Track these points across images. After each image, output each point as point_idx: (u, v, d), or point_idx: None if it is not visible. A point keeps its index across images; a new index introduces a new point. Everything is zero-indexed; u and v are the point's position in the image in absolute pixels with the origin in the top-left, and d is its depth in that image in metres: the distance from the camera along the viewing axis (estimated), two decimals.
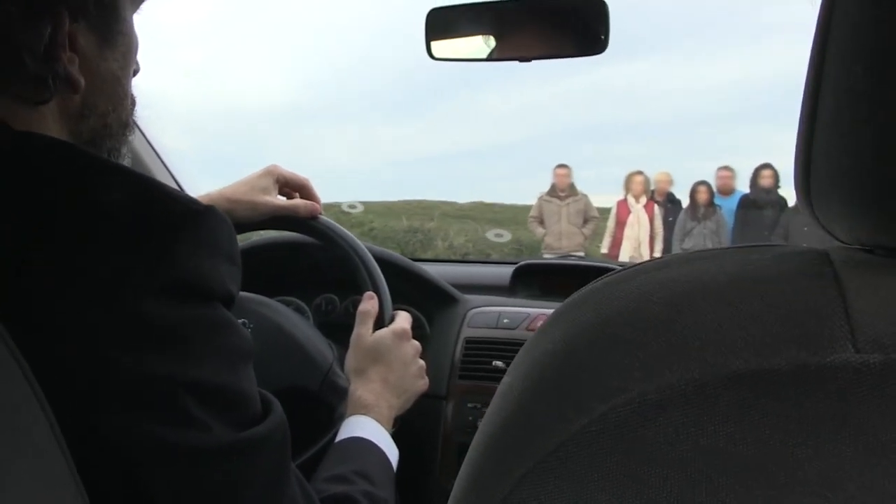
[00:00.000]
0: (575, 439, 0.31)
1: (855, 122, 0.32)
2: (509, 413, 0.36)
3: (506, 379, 0.39)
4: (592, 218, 7.79)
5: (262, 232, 1.49)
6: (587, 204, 7.75)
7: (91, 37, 0.70)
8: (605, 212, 8.01)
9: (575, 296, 0.40)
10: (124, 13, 0.74)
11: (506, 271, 1.79)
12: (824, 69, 0.34)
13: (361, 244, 1.23)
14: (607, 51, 1.10)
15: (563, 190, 7.71)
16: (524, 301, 1.65)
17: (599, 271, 1.77)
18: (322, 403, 1.16)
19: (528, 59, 1.17)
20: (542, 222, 7.80)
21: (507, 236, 11.98)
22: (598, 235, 8.13)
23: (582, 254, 7.68)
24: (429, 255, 11.58)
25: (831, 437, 0.28)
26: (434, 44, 1.21)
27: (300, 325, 1.23)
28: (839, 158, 0.33)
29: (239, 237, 1.48)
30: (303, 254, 1.51)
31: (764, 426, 0.29)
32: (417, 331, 1.59)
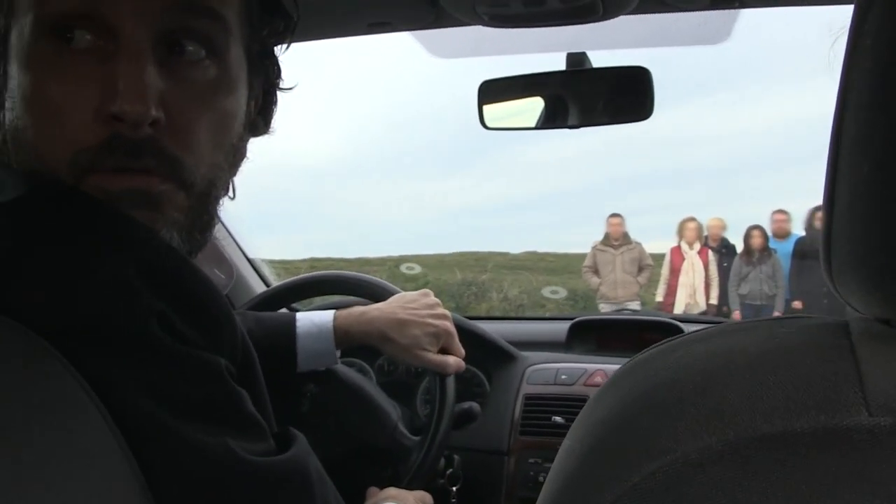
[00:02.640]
0: (628, 494, 0.36)
1: (865, 214, 0.37)
2: (570, 472, 0.41)
3: (566, 442, 0.44)
4: (647, 266, 7.83)
5: (322, 298, 1.57)
6: (641, 252, 7.82)
7: None
8: (658, 258, 8.06)
9: (626, 365, 0.45)
10: None
11: (561, 327, 1.83)
12: (839, 163, 0.39)
13: None
14: (661, 96, 1.16)
15: (616, 239, 7.81)
16: (581, 357, 1.69)
17: (652, 326, 1.82)
18: (388, 460, 1.22)
19: (576, 127, 1.23)
20: (596, 272, 7.86)
21: (562, 293, 11.98)
22: (652, 283, 8.10)
23: (638, 303, 7.67)
24: (483, 308, 11.61)
25: (850, 492, 0.32)
26: (487, 114, 1.28)
27: (366, 386, 1.29)
28: (855, 242, 0.38)
29: (301, 302, 1.57)
30: None
31: (791, 482, 0.33)
32: (477, 389, 1.65)
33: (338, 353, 1.24)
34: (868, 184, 0.37)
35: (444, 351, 1.23)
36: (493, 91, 1.27)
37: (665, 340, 0.45)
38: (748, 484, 0.34)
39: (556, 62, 1.27)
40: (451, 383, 1.23)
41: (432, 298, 1.27)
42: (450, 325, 1.24)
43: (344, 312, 1.22)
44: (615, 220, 7.85)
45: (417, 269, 13.29)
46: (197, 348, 0.63)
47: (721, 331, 0.42)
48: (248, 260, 1.70)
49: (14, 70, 0.69)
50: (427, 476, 1.22)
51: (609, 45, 1.30)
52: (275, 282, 1.74)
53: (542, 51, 1.33)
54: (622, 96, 1.19)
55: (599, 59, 1.23)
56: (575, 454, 0.41)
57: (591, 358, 1.67)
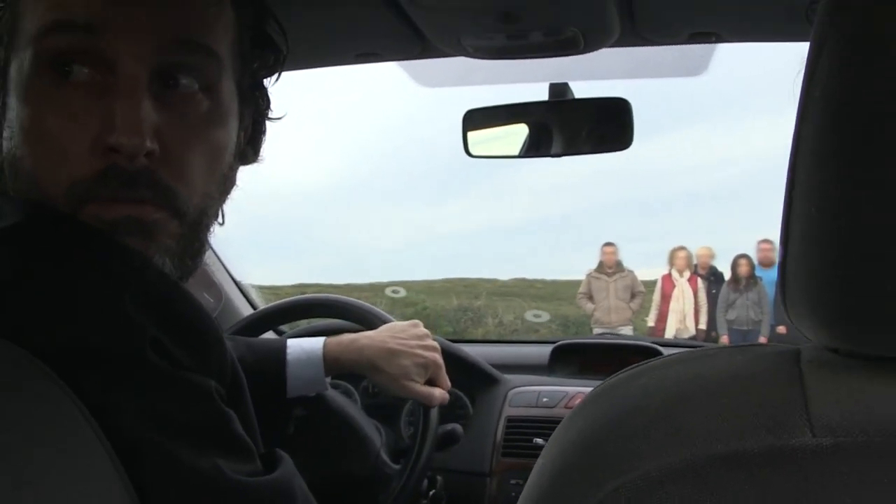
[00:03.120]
0: None
1: (813, 255, 0.40)
2: (542, 490, 0.43)
3: (539, 461, 0.47)
4: (639, 293, 8.14)
5: (308, 320, 1.59)
6: (633, 279, 8.15)
7: None
8: (649, 284, 8.35)
9: (597, 389, 0.48)
10: None
11: (544, 351, 1.86)
12: (792, 204, 0.42)
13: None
14: (644, 127, 1.20)
15: (610, 267, 8.14)
16: (562, 380, 1.72)
17: (632, 350, 1.85)
18: (370, 488, 1.24)
19: (559, 156, 1.26)
20: (591, 298, 8.17)
21: (545, 316, 12.14)
22: (644, 309, 8.23)
23: (630, 328, 7.87)
24: (479, 332, 11.65)
25: None
26: (471, 141, 1.31)
27: (351, 411, 1.31)
28: (804, 278, 0.41)
29: (288, 325, 1.59)
30: None
31: (743, 498, 0.36)
32: (460, 411, 1.67)
33: (328, 380, 1.25)
34: (814, 227, 0.39)
35: (431, 382, 1.24)
36: (477, 120, 1.30)
37: (634, 366, 0.48)
38: (704, 499, 0.36)
39: (540, 92, 1.30)
40: (434, 413, 1.25)
41: (422, 329, 1.28)
42: (438, 357, 1.25)
43: (334, 340, 1.23)
44: (609, 249, 8.18)
45: (403, 292, 13.34)
46: (187, 371, 0.65)
47: (684, 358, 0.45)
48: (236, 283, 1.73)
49: (13, 101, 0.72)
50: (408, 501, 1.23)
51: (592, 77, 1.33)
52: (261, 305, 1.76)
53: (525, 81, 1.36)
54: (603, 126, 1.22)
55: (582, 89, 1.27)
56: (546, 473, 0.44)
57: (572, 381, 1.69)
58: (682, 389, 0.41)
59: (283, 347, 1.23)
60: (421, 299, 13.35)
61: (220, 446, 0.66)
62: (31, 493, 0.51)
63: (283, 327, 1.66)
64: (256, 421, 0.80)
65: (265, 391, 1.19)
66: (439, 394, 1.23)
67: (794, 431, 0.36)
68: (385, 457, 1.27)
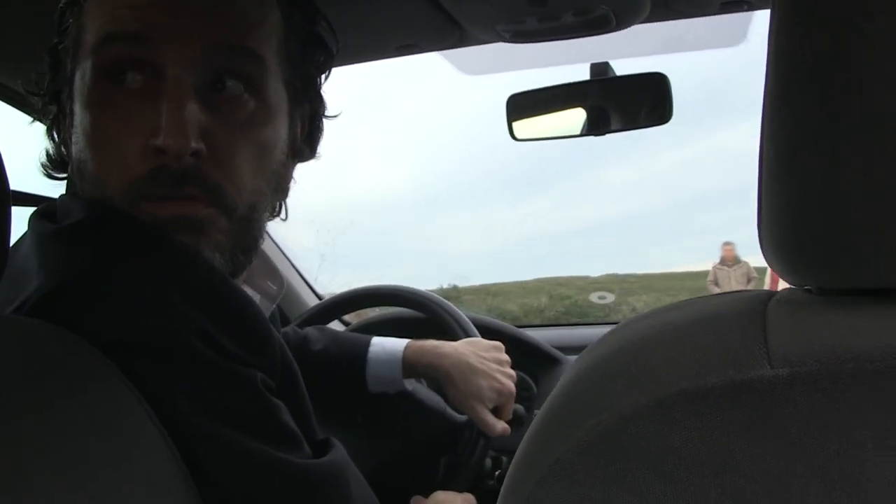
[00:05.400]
0: (574, 449, 0.42)
1: (784, 196, 0.42)
2: (533, 431, 0.46)
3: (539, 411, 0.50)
4: (754, 278, 9.80)
5: (376, 309, 1.64)
6: (749, 268, 9.99)
7: None
8: (760, 271, 9.80)
9: (595, 341, 0.51)
10: None
11: (605, 331, 1.86)
12: (764, 152, 0.44)
13: (460, 312, 1.36)
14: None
15: (729, 260, 10.16)
16: None
17: None
18: (445, 443, 1.29)
19: (601, 134, 1.28)
20: (717, 284, 10.02)
21: (609, 298, 12.60)
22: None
23: None
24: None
25: (755, 435, 0.37)
26: (515, 126, 1.34)
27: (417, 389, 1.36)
28: (779, 214, 0.43)
29: (353, 314, 1.65)
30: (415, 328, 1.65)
31: (707, 430, 0.38)
32: (524, 392, 1.69)
33: (412, 381, 1.27)
34: (783, 163, 0.42)
35: (496, 410, 1.22)
36: (520, 104, 1.32)
37: (628, 319, 0.50)
38: (670, 433, 0.39)
39: (582, 73, 1.32)
40: (483, 445, 1.24)
41: (504, 355, 1.27)
42: (513, 387, 1.23)
43: (416, 344, 1.25)
44: (728, 247, 10.28)
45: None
46: (235, 362, 0.68)
47: (666, 308, 0.47)
48: (300, 275, 1.80)
49: (78, 109, 0.78)
50: (476, 472, 1.27)
51: (630, 54, 1.34)
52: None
53: (567, 63, 1.38)
54: (642, 102, 1.23)
55: (624, 68, 1.28)
56: (538, 420, 0.47)
57: None
58: (654, 333, 0.44)
59: (367, 345, 1.26)
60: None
61: (266, 434, 0.69)
62: (88, 473, 0.54)
63: (348, 317, 1.73)
64: (333, 408, 0.83)
65: (346, 383, 1.25)
66: (501, 428, 1.20)
67: (753, 365, 0.38)
68: (450, 410, 1.31)
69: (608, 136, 1.29)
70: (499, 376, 1.21)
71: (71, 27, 0.81)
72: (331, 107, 0.95)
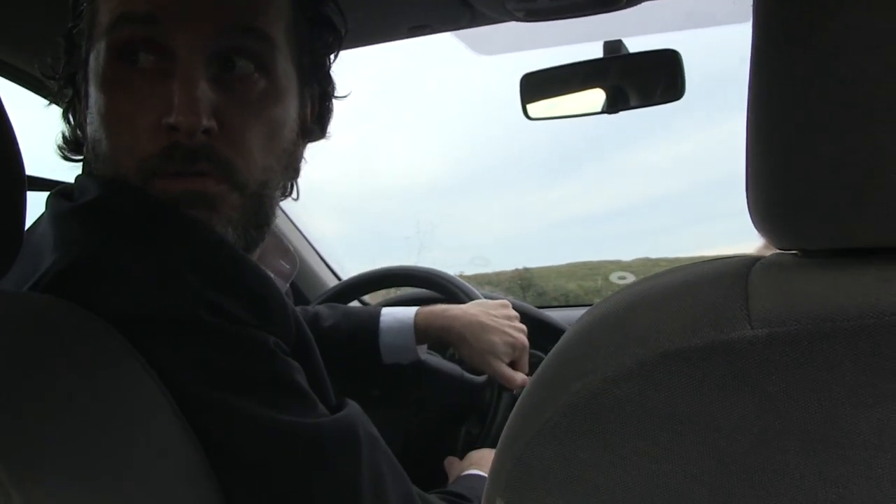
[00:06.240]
0: (560, 411, 0.42)
1: (769, 163, 0.42)
2: (526, 393, 0.47)
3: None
4: None
5: (394, 290, 1.66)
6: None
7: None
8: None
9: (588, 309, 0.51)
10: None
11: None
12: (751, 123, 0.44)
13: (473, 288, 1.37)
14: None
15: (769, 246, 10.42)
16: None
17: None
18: (466, 407, 1.31)
19: (616, 111, 1.28)
20: None
21: (630, 277, 12.57)
22: None
23: None
24: None
25: (735, 394, 0.38)
26: (530, 106, 1.34)
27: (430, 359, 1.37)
28: (764, 178, 0.43)
29: (369, 295, 1.66)
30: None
31: (688, 390, 0.39)
32: None
33: (423, 348, 1.29)
34: (767, 135, 0.42)
35: (513, 365, 1.23)
36: (534, 83, 1.32)
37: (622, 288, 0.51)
38: (653, 394, 0.39)
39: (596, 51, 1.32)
40: (507, 401, 1.25)
41: (512, 310, 1.29)
42: (526, 340, 1.25)
43: (426, 309, 1.27)
44: None
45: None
46: (245, 325, 0.70)
47: (658, 274, 0.48)
48: (320, 256, 1.81)
49: (92, 90, 0.80)
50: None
51: (645, 32, 1.34)
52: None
53: (581, 41, 1.38)
54: (657, 79, 1.23)
55: (636, 46, 1.28)
56: (530, 383, 0.48)
57: None
58: (640, 298, 0.44)
59: (378, 316, 1.28)
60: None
61: (277, 395, 0.70)
62: (98, 439, 0.56)
63: (367, 298, 1.74)
64: (348, 384, 0.83)
65: (360, 356, 1.26)
66: (521, 379, 1.22)
67: (734, 325, 0.38)
68: (467, 374, 1.33)
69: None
70: (510, 331, 1.23)
71: (86, 10, 0.83)
72: (348, 90, 0.96)
